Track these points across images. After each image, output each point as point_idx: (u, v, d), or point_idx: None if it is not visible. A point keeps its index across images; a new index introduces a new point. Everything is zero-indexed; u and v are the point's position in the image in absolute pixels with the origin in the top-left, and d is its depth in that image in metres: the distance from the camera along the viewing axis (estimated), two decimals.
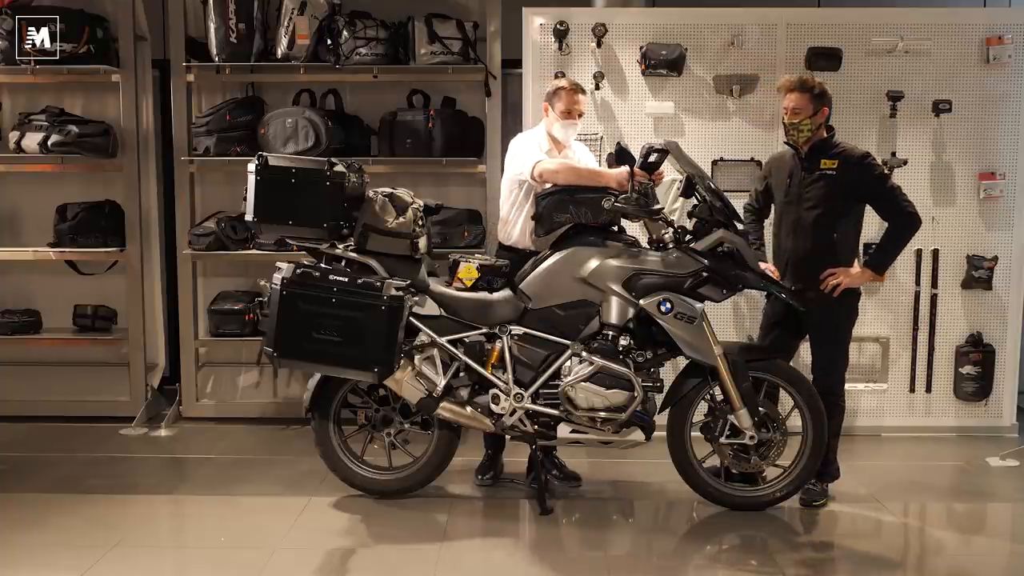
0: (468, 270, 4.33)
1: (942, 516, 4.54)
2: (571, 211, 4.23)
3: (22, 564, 3.74)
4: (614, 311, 4.17)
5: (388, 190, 4.26)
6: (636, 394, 4.09)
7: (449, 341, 4.23)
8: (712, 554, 4.03)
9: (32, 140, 5.54)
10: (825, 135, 4.38)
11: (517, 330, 4.25)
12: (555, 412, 4.21)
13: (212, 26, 5.51)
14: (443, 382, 4.21)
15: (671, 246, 4.23)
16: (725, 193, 4.28)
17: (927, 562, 4.06)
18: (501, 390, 4.21)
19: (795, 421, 4.32)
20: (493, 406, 4.22)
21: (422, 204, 4.32)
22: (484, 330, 4.26)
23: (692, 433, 4.30)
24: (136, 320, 5.78)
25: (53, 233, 5.75)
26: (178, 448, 5.38)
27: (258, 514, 4.32)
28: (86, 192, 5.88)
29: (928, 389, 5.59)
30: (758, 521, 4.27)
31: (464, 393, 4.26)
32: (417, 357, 4.24)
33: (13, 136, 5.62)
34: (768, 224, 4.64)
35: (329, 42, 5.49)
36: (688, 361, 4.26)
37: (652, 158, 4.19)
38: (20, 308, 5.90)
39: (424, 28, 5.51)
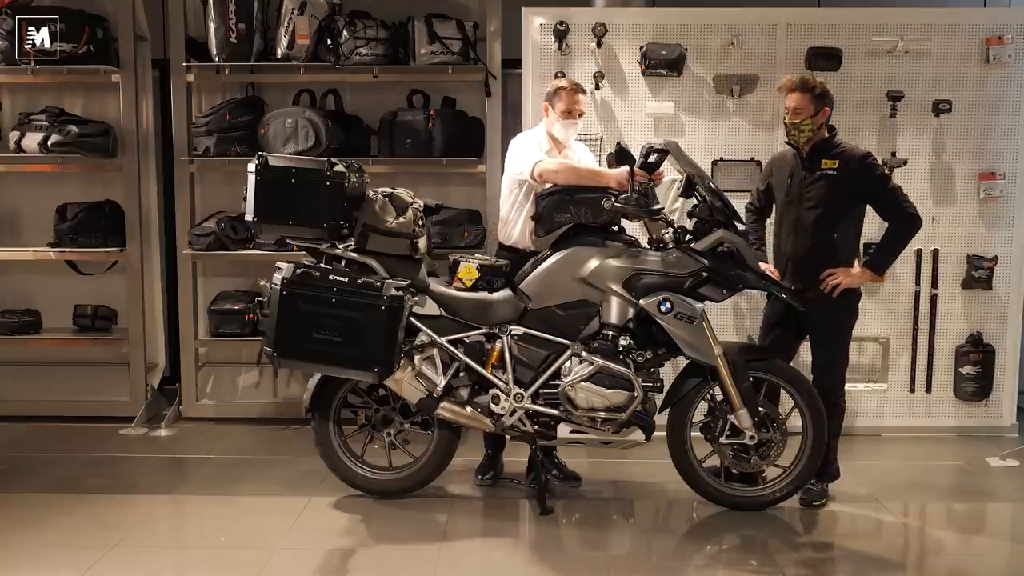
0: (468, 270, 4.32)
1: (942, 516, 4.54)
2: (571, 211, 4.23)
3: (22, 564, 3.74)
4: (614, 311, 4.17)
5: (388, 190, 4.26)
6: (636, 394, 4.09)
7: (449, 341, 4.23)
8: (712, 554, 4.02)
9: (32, 140, 5.54)
10: (826, 135, 4.37)
11: (517, 330, 4.25)
12: (555, 412, 4.20)
13: (212, 26, 5.50)
14: (443, 382, 4.21)
15: (671, 246, 4.23)
16: (725, 193, 4.28)
17: (927, 562, 4.06)
18: (501, 390, 4.21)
19: (795, 421, 4.32)
20: (493, 406, 4.22)
21: (422, 204, 4.32)
22: (484, 330, 4.26)
23: (692, 433, 4.30)
24: (136, 320, 5.78)
25: (53, 233, 5.75)
26: (178, 448, 5.38)
27: (258, 514, 4.32)
28: (86, 192, 5.88)
29: (928, 389, 5.59)
30: (758, 521, 4.27)
31: (464, 393, 4.26)
32: (417, 357, 4.23)
33: (13, 136, 5.62)
34: (769, 224, 4.64)
35: (329, 42, 5.49)
36: (688, 361, 4.25)
37: (652, 158, 4.19)
38: (20, 308, 5.90)
39: (424, 28, 5.51)
